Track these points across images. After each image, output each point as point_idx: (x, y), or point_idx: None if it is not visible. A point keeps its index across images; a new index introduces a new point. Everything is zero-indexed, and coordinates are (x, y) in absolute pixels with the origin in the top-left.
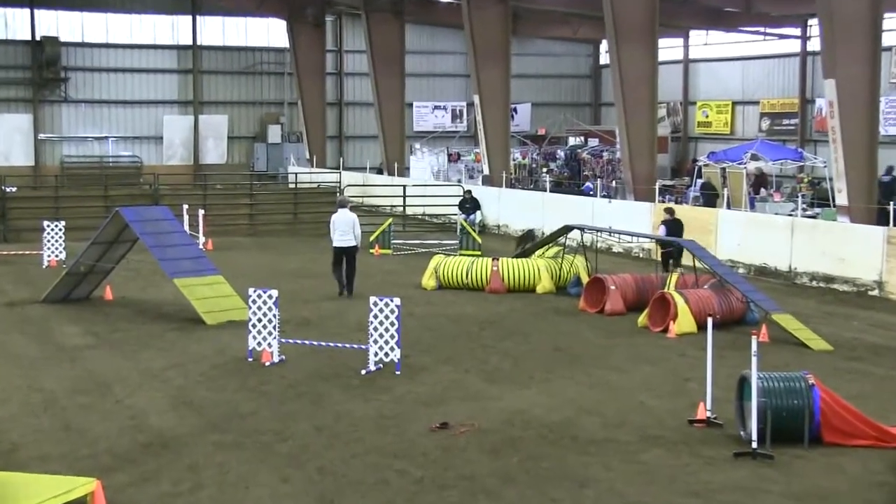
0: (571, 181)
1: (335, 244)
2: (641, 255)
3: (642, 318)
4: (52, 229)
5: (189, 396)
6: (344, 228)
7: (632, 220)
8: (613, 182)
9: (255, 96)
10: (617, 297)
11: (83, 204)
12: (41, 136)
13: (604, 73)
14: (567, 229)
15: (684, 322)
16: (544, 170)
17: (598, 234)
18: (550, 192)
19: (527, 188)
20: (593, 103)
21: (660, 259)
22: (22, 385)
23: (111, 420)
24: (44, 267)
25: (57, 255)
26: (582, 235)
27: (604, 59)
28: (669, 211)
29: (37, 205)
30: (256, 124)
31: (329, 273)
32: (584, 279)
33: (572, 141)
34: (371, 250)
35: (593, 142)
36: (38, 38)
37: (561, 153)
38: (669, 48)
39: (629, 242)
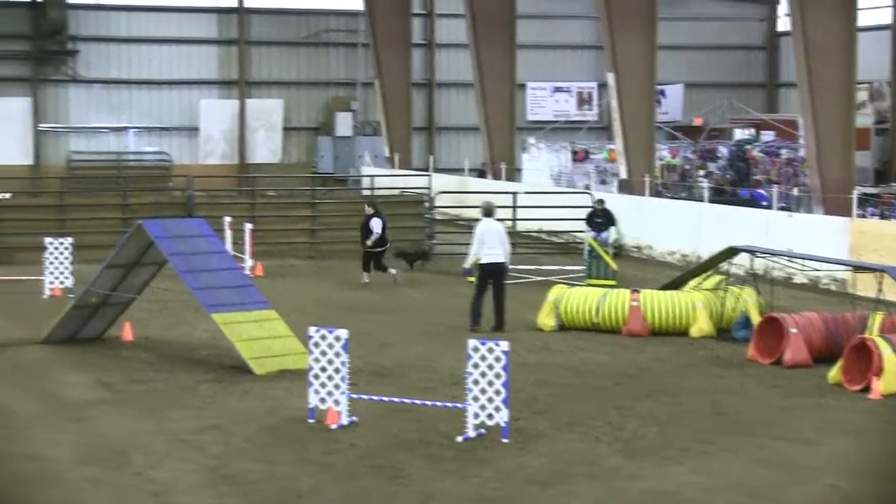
0: (738, 187)
1: (484, 261)
2: (833, 288)
3: (835, 373)
4: (56, 248)
5: (230, 469)
6: (493, 241)
7: (820, 241)
8: (795, 189)
9: (318, 75)
10: (800, 344)
11: (96, 215)
12: (42, 125)
13: (783, 44)
14: (732, 252)
15: (893, 379)
16: (701, 172)
17: (775, 258)
18: (710, 201)
19: (678, 197)
20: (768, 84)
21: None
22: (15, 452)
23: (128, 498)
24: (45, 297)
25: (62, 282)
26: (752, 260)
27: (783, 24)
28: None
29: (36, 216)
30: (320, 112)
31: (447, 304)
32: (755, 319)
33: (739, 134)
34: (469, 278)
35: (768, 135)
36: None
37: (724, 150)
38: (873, 8)
39: (816, 270)
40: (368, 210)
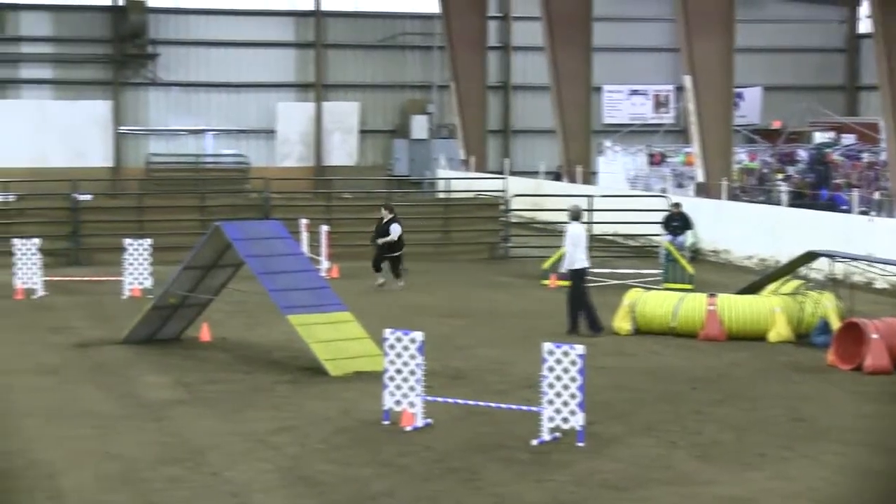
0: (817, 191)
1: (578, 266)
2: None
3: None
4: (135, 249)
5: (305, 469)
6: (583, 245)
7: None
8: (876, 193)
9: (394, 78)
10: (881, 350)
11: (174, 216)
12: (122, 128)
13: (863, 46)
14: (811, 257)
15: None
16: (780, 176)
17: (855, 263)
18: (789, 205)
19: (756, 200)
20: (848, 86)
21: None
22: (95, 451)
23: (206, 497)
24: (124, 298)
25: (140, 283)
26: (832, 265)
27: (864, 26)
28: None
29: (116, 217)
30: (396, 114)
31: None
32: (835, 325)
33: (819, 137)
34: (545, 281)
35: (848, 139)
36: (119, 1)
37: (803, 154)
38: None
39: None
40: (386, 214)
